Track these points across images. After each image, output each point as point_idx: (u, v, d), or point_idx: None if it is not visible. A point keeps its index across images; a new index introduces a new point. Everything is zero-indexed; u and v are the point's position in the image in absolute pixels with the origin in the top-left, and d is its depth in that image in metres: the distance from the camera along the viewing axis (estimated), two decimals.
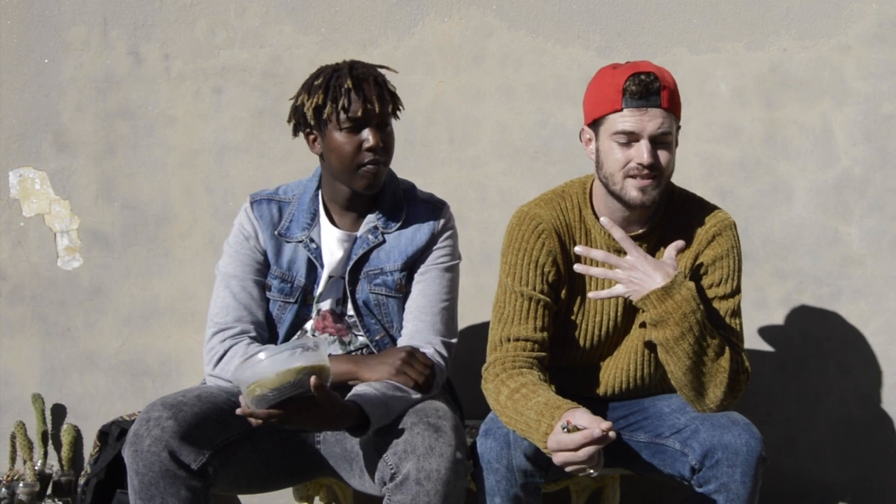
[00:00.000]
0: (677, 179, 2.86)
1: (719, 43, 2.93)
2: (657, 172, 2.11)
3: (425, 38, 2.99)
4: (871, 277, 2.94)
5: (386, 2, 3.00)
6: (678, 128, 2.19)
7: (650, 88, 2.08)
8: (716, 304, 2.19)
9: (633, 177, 2.11)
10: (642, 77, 2.09)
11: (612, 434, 1.88)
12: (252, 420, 1.96)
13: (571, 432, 1.88)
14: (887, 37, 2.90)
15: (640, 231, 2.21)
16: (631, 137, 2.10)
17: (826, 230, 2.94)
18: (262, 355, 1.91)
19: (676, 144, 2.20)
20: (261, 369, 1.89)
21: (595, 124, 2.17)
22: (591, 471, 1.91)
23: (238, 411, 1.97)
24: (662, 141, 2.11)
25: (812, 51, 2.92)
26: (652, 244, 2.23)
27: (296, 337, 2.34)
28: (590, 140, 2.20)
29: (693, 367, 2.07)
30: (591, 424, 1.88)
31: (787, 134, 2.94)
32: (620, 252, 2.17)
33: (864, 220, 2.93)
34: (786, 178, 2.94)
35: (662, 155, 2.12)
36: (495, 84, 2.99)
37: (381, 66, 2.31)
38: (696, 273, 2.21)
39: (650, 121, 2.09)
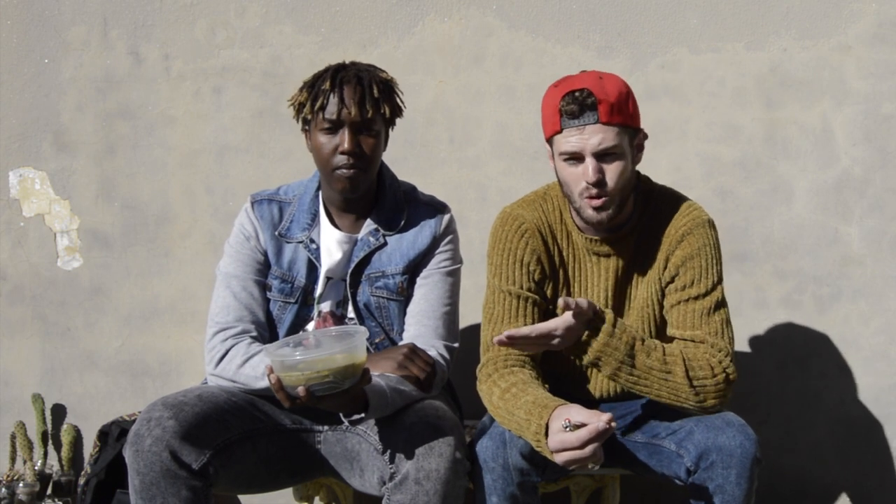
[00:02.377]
0: (677, 179, 2.87)
1: (719, 43, 2.93)
2: (606, 189, 2.08)
3: (425, 38, 2.99)
4: (871, 277, 2.94)
5: (386, 2, 3.00)
6: (636, 135, 2.14)
7: (585, 105, 2.04)
8: (690, 306, 2.15)
9: (588, 197, 2.10)
10: (576, 94, 2.05)
11: (613, 424, 1.86)
12: (282, 397, 1.92)
13: (573, 430, 1.87)
14: (887, 37, 2.90)
15: (617, 234, 2.20)
16: (575, 157, 2.08)
17: (826, 230, 2.94)
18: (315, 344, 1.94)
19: (639, 150, 2.16)
20: (318, 357, 1.88)
21: (549, 143, 2.16)
22: (593, 465, 1.89)
23: (273, 384, 1.92)
24: (609, 154, 2.08)
25: (812, 51, 2.92)
26: (630, 246, 2.21)
27: None
28: (551, 157, 2.19)
29: (651, 390, 2.07)
30: (590, 419, 1.87)
31: (787, 134, 2.94)
32: (599, 256, 2.21)
33: (864, 220, 2.93)
34: (786, 178, 2.94)
35: (611, 169, 2.08)
36: (495, 84, 2.99)
37: (381, 70, 2.30)
38: (667, 275, 2.19)
39: (590, 138, 2.06)
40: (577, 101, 2.05)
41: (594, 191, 2.08)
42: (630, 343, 2.04)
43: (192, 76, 3.05)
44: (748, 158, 2.94)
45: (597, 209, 2.10)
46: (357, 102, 2.21)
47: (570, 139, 2.07)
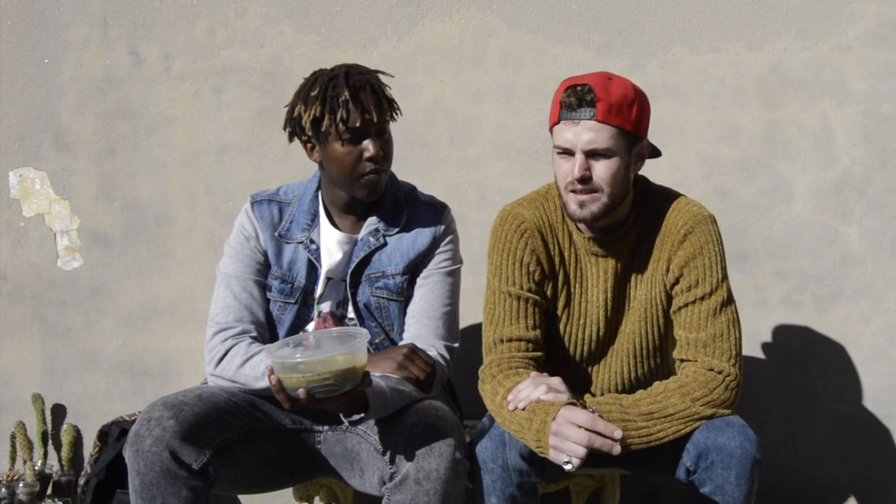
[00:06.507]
0: (677, 179, 2.87)
1: (719, 43, 2.93)
2: (592, 188, 2.06)
3: (425, 38, 2.99)
4: (871, 277, 2.94)
5: (386, 2, 3.00)
6: (637, 143, 2.11)
7: (583, 100, 2.03)
8: (697, 307, 2.13)
9: (573, 191, 2.08)
10: (577, 88, 2.04)
11: (616, 449, 1.88)
12: (283, 398, 1.92)
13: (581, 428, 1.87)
14: (887, 37, 2.90)
15: (614, 235, 2.19)
16: (567, 151, 2.07)
17: (826, 230, 2.94)
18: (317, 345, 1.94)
19: (640, 159, 2.15)
20: (318, 360, 1.88)
21: (551, 137, 2.16)
22: (570, 466, 1.88)
23: (273, 385, 1.91)
24: (600, 154, 2.06)
25: (812, 51, 2.92)
26: (628, 246, 2.21)
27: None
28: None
29: (667, 433, 2.05)
30: (605, 430, 1.88)
31: (787, 134, 2.94)
32: (597, 256, 2.19)
33: (864, 220, 2.93)
34: (786, 178, 2.94)
35: (600, 168, 2.06)
36: (495, 84, 2.99)
37: (378, 71, 2.30)
38: (671, 276, 2.17)
39: (582, 134, 2.04)
40: (576, 95, 2.04)
41: (579, 187, 2.06)
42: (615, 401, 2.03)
43: (192, 76, 3.05)
44: (748, 158, 2.94)
45: (580, 205, 2.08)
46: (376, 107, 2.20)
47: (565, 133, 2.06)
